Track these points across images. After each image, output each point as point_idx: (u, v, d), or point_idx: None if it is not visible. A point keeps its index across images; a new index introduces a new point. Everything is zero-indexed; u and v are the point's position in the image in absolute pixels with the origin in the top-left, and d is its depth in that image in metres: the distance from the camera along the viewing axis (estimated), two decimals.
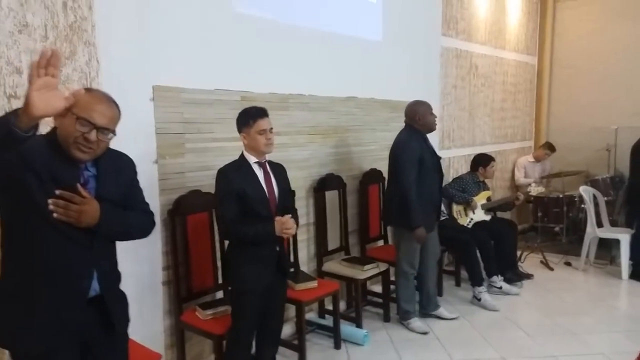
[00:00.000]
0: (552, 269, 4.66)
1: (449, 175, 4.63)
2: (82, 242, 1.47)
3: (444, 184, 3.65)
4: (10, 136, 1.14)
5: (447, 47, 4.82)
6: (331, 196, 3.52)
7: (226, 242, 2.43)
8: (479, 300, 3.75)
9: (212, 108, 2.74)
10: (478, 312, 3.66)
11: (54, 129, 1.45)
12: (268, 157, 2.33)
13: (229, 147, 2.70)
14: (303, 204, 3.34)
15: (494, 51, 5.58)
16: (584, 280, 4.44)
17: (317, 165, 3.48)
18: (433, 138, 4.24)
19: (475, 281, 3.80)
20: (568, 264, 4.79)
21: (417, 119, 3.25)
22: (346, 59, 3.65)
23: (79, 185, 1.43)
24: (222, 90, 2.79)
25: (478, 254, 3.91)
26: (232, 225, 2.15)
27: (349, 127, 3.76)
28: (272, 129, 2.26)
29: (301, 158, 3.36)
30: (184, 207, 2.50)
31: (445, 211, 4.15)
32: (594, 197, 4.73)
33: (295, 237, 3.15)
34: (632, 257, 4.36)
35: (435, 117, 3.34)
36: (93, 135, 1.42)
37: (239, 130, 2.26)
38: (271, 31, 3.06)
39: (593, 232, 4.56)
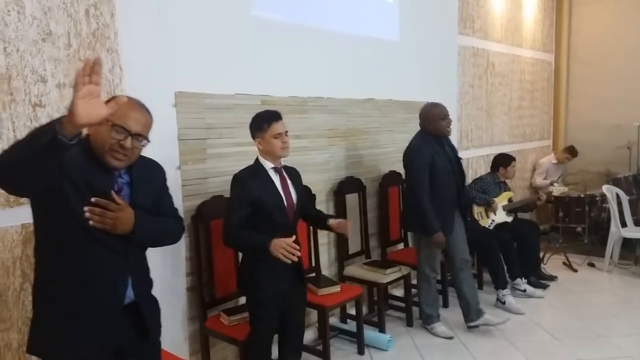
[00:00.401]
0: (575, 271, 4.57)
1: (468, 176, 4.56)
2: (117, 249, 1.49)
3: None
4: (55, 143, 1.15)
5: (464, 46, 4.76)
6: (351, 199, 3.49)
7: None
8: (503, 303, 3.68)
9: (233, 112, 2.73)
10: (502, 315, 3.56)
11: (86, 137, 1.44)
12: (284, 161, 2.30)
13: (250, 151, 2.65)
14: (323, 207, 3.30)
15: (510, 49, 5.50)
16: (609, 281, 4.35)
17: (337, 168, 3.45)
18: (452, 138, 4.19)
19: (499, 284, 3.73)
20: (592, 265, 4.70)
21: (428, 123, 3.19)
22: (364, 60, 3.62)
23: (113, 193, 1.45)
24: (242, 95, 2.78)
25: (501, 257, 3.85)
26: (233, 230, 2.10)
27: (367, 129, 3.73)
28: (287, 132, 2.21)
29: (321, 161, 3.34)
30: (207, 212, 2.49)
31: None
32: (617, 196, 4.63)
33: (316, 241, 3.13)
34: None
35: (450, 121, 3.20)
36: (128, 142, 1.44)
37: (254, 136, 2.22)
38: (289, 34, 3.04)
39: (617, 232, 4.46)
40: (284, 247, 1.98)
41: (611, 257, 4.56)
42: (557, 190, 4.42)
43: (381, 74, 3.81)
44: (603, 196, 4.82)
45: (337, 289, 2.86)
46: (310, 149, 3.24)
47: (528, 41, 5.86)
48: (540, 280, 4.16)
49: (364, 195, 3.59)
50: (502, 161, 4.27)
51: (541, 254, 4.57)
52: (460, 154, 4.33)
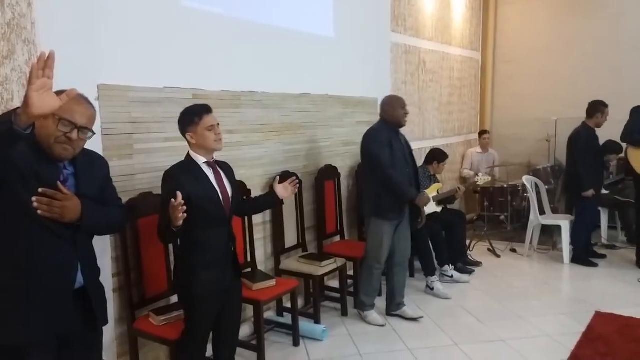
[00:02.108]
0: (499, 256, 4.89)
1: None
2: (65, 237, 1.56)
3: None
4: (11, 133, 1.25)
5: (397, 43, 4.91)
6: None
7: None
8: (432, 289, 3.88)
9: (162, 106, 2.66)
10: (431, 301, 3.78)
11: (32, 131, 1.46)
12: (217, 156, 2.27)
13: (182, 146, 2.59)
14: None
15: (440, 47, 5.74)
16: (529, 265, 4.69)
17: (272, 163, 3.46)
18: None
19: (428, 271, 3.93)
20: (513, 250, 5.04)
21: (387, 111, 3.33)
22: (298, 55, 3.64)
23: (59, 183, 1.52)
24: (171, 88, 2.71)
25: (430, 245, 4.04)
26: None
27: (303, 124, 3.76)
28: (219, 124, 2.19)
29: (255, 156, 3.33)
30: (134, 210, 2.41)
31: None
32: (536, 185, 4.99)
33: (251, 236, 3.13)
34: (572, 242, 4.65)
35: (407, 112, 3.36)
36: (74, 134, 1.53)
37: (184, 131, 2.17)
38: (221, 27, 3.00)
39: (536, 219, 4.82)
40: (172, 208, 1.90)
41: (531, 243, 4.92)
42: (482, 180, 4.68)
43: (317, 69, 3.85)
44: (525, 186, 5.18)
45: (272, 283, 2.88)
46: (244, 144, 3.23)
47: (457, 39, 6.14)
48: (466, 266, 4.42)
49: (300, 190, 3.62)
50: (438, 156, 4.46)
51: (468, 242, 4.85)
52: None
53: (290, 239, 3.52)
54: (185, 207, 1.89)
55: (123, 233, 2.38)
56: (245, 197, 2.65)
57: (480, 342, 3.07)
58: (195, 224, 2.08)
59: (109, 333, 2.37)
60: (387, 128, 3.30)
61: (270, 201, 2.51)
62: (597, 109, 4.54)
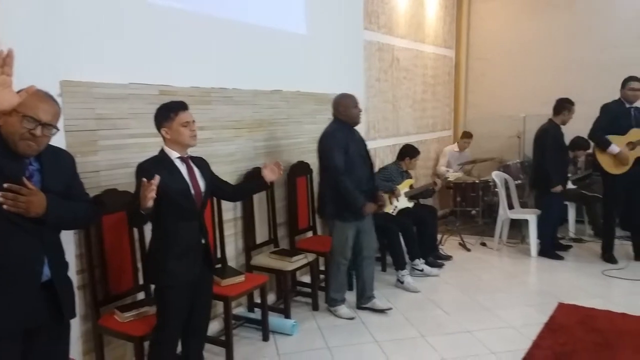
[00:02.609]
0: (469, 250, 4.99)
1: (375, 165, 4.78)
2: (32, 231, 1.59)
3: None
4: None
5: (370, 41, 4.95)
6: None
7: (147, 239, 2.37)
8: (402, 283, 3.95)
9: (128, 103, 2.64)
10: (401, 294, 3.85)
11: None
12: (190, 152, 2.29)
13: (148, 143, 2.62)
14: None
15: (414, 44, 5.81)
16: (498, 258, 4.81)
17: (244, 160, 3.47)
18: (359, 129, 4.38)
19: (399, 265, 3.99)
20: (483, 244, 5.15)
21: (341, 111, 3.36)
22: (270, 52, 3.64)
23: (24, 179, 1.55)
24: (137, 84, 2.69)
25: (402, 240, 4.11)
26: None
27: (275, 120, 3.77)
28: (194, 121, 2.24)
29: (227, 153, 3.34)
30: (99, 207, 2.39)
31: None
32: (506, 181, 5.11)
33: (222, 232, 3.14)
34: (539, 236, 4.78)
35: (360, 110, 3.41)
36: (39, 131, 1.56)
37: (159, 126, 2.21)
38: (190, 23, 2.99)
39: (505, 214, 4.94)
40: (143, 186, 1.92)
41: (500, 237, 5.04)
42: (452, 175, 4.79)
43: (289, 66, 3.86)
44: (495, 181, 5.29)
45: (241, 278, 2.90)
46: (215, 141, 3.23)
47: (430, 37, 6.22)
48: (437, 260, 4.51)
49: (272, 186, 3.64)
50: (410, 152, 4.53)
51: (439, 236, 4.94)
52: (368, 144, 4.55)
53: (262, 235, 3.54)
54: (154, 188, 1.91)
55: (87, 230, 2.37)
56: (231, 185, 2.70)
57: (446, 334, 3.14)
58: (167, 216, 2.13)
59: (74, 330, 2.36)
60: (343, 128, 3.32)
61: (259, 184, 2.61)
62: (563, 106, 4.66)
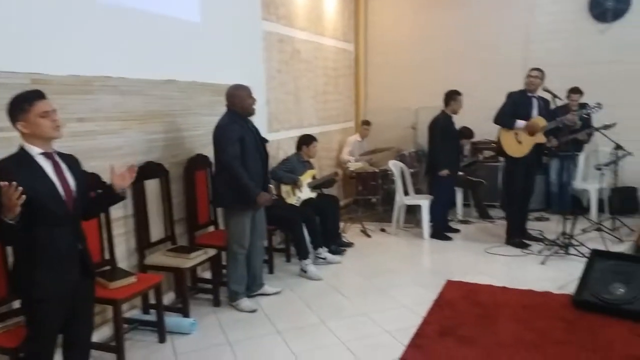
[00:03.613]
0: (369, 236, 5.22)
1: (278, 157, 4.80)
2: None
3: (272, 166, 3.78)
4: None
5: (269, 31, 4.92)
6: (152, 185, 3.36)
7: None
8: (305, 272, 4.02)
9: None
10: (304, 283, 3.93)
11: None
12: (64, 148, 2.09)
13: (17, 137, 2.36)
14: None
15: (314, 37, 5.88)
16: (395, 243, 5.08)
17: (133, 154, 3.27)
18: (261, 120, 4.35)
19: (302, 255, 4.06)
20: (383, 230, 5.42)
21: (236, 102, 3.34)
22: (161, 39, 3.47)
23: None
24: (4, 73, 2.42)
25: (305, 230, 4.17)
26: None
27: (169, 111, 3.61)
28: (55, 110, 2.00)
29: (114, 146, 3.12)
30: None
31: (274, 192, 4.31)
32: (402, 169, 5.41)
33: (109, 232, 2.95)
34: (431, 219, 5.13)
35: (254, 100, 3.42)
36: None
37: (14, 120, 1.95)
38: (70, 5, 2.75)
39: (401, 200, 5.23)
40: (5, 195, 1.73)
41: (398, 222, 5.33)
42: (353, 165, 4.95)
43: (183, 55, 3.71)
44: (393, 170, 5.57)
45: (132, 280, 2.75)
46: (99, 133, 3.01)
47: (330, 31, 6.33)
48: (339, 247, 4.65)
49: (167, 180, 3.49)
50: (305, 140, 4.60)
51: (342, 225, 5.10)
52: (271, 136, 4.55)
53: (157, 232, 3.39)
54: (20, 192, 1.70)
55: None
56: (93, 193, 2.38)
57: (344, 318, 3.26)
58: (35, 223, 1.89)
59: None
60: (238, 119, 3.32)
61: (109, 196, 2.22)
62: (451, 97, 5.02)
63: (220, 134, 3.27)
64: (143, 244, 3.25)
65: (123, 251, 3.14)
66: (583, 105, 4.91)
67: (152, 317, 3.10)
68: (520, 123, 4.51)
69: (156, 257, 3.25)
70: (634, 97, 5.72)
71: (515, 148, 4.55)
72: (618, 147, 4.94)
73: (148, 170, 3.32)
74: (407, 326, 3.08)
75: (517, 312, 3.26)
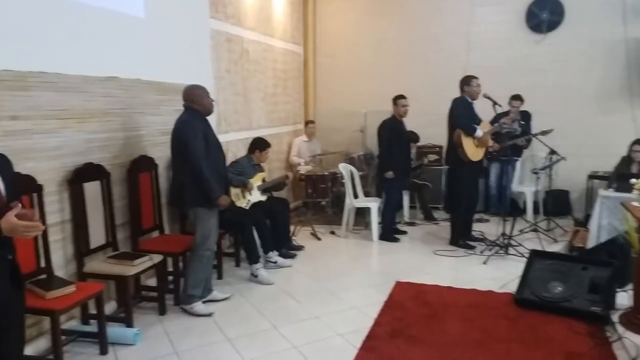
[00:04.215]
0: (320, 239, 5.22)
1: (227, 158, 4.68)
2: None
3: None
4: None
5: (218, 30, 4.80)
6: (91, 188, 3.17)
7: None
8: (256, 276, 3.95)
9: None
10: (255, 288, 3.85)
11: None
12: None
13: None
14: (55, 199, 2.92)
15: (263, 38, 5.82)
16: (345, 245, 5.12)
17: (72, 154, 3.07)
18: (210, 121, 4.23)
19: (253, 259, 3.98)
20: (333, 232, 5.44)
21: (196, 100, 3.32)
22: (102, 34, 3.29)
23: None
24: None
25: (255, 234, 4.10)
26: None
27: (111, 110, 3.42)
28: None
29: (50, 146, 2.92)
30: None
31: None
32: (351, 172, 5.46)
33: (45, 238, 2.74)
34: (381, 221, 5.21)
35: (212, 100, 3.43)
36: None
37: None
38: None
39: (350, 203, 5.28)
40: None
41: (347, 225, 5.37)
42: (303, 169, 4.94)
43: (126, 51, 3.54)
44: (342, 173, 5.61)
45: (71, 289, 2.57)
46: (35, 132, 2.80)
47: (279, 32, 6.29)
48: (290, 251, 4.62)
49: (108, 183, 3.31)
50: (259, 145, 4.53)
51: (292, 228, 5.06)
52: (220, 138, 4.42)
53: (97, 238, 3.20)
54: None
55: None
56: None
57: (296, 322, 3.23)
58: None
59: None
60: (198, 118, 3.29)
61: None
62: (394, 101, 5.15)
63: (185, 130, 3.20)
64: (82, 250, 3.05)
65: (60, 258, 2.93)
66: (524, 113, 5.17)
67: (92, 327, 2.91)
68: (480, 132, 4.67)
69: (96, 265, 3.06)
70: (565, 105, 6.12)
71: (473, 152, 4.72)
72: (553, 152, 5.25)
73: (87, 172, 3.13)
74: (358, 328, 3.10)
75: (463, 312, 3.37)
